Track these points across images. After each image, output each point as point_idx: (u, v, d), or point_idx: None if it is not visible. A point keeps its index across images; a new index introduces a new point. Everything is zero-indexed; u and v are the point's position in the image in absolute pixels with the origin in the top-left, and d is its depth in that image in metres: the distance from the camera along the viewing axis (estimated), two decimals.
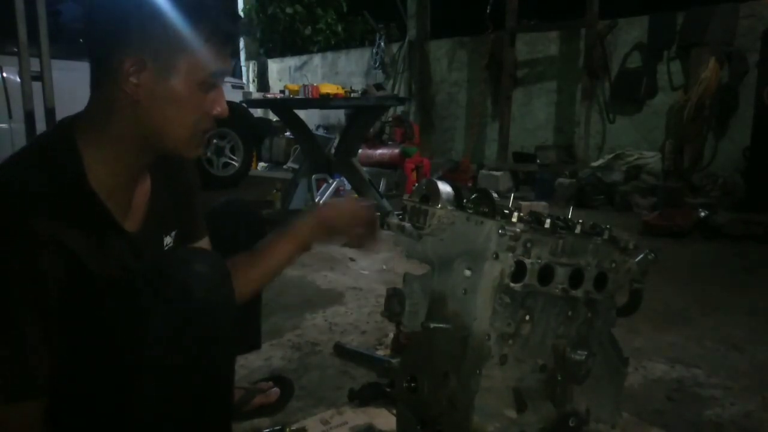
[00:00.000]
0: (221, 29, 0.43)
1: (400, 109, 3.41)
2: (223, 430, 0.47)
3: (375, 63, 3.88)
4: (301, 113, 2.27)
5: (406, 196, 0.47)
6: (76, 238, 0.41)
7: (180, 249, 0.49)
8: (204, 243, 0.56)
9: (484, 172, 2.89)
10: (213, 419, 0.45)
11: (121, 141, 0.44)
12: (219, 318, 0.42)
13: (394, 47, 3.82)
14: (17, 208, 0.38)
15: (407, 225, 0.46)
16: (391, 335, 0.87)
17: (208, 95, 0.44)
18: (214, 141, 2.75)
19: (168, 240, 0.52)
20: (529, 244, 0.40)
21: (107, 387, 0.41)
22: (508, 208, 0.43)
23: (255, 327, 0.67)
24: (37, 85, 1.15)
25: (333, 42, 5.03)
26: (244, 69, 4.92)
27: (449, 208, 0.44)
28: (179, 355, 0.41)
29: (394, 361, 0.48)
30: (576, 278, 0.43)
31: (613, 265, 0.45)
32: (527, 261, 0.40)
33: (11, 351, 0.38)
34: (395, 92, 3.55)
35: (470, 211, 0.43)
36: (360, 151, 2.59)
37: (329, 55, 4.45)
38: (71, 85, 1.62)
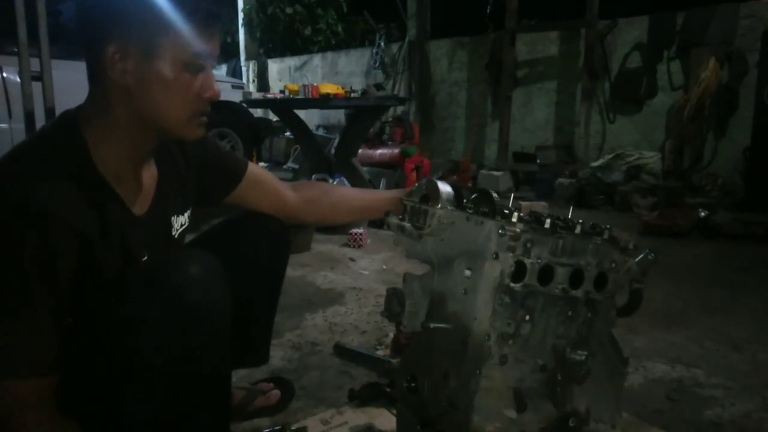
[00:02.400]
0: (201, 8, 0.44)
1: (400, 109, 3.40)
2: (220, 430, 0.47)
3: (375, 63, 3.88)
4: (301, 113, 2.28)
5: (411, 188, 0.47)
6: (84, 222, 0.41)
7: (178, 250, 0.49)
8: (258, 172, 0.60)
9: (484, 172, 2.89)
10: (209, 420, 0.45)
11: (122, 128, 0.45)
12: (213, 320, 0.42)
13: (394, 47, 3.82)
14: (28, 191, 0.39)
15: (407, 225, 0.46)
16: (391, 335, 0.87)
17: (196, 77, 0.44)
18: None
19: (182, 219, 0.53)
20: (529, 244, 0.40)
21: (103, 382, 0.41)
22: (508, 208, 0.43)
23: (264, 342, 0.67)
24: (37, 85, 1.15)
25: (333, 42, 5.03)
26: (243, 69, 4.92)
27: (449, 208, 0.43)
28: (172, 358, 0.41)
29: (394, 361, 0.48)
30: (576, 278, 0.43)
31: (613, 265, 0.45)
32: (527, 261, 0.40)
33: (23, 328, 0.39)
34: (395, 92, 3.55)
35: (470, 211, 0.43)
36: (360, 151, 2.58)
37: (329, 55, 4.45)
38: (71, 85, 1.64)
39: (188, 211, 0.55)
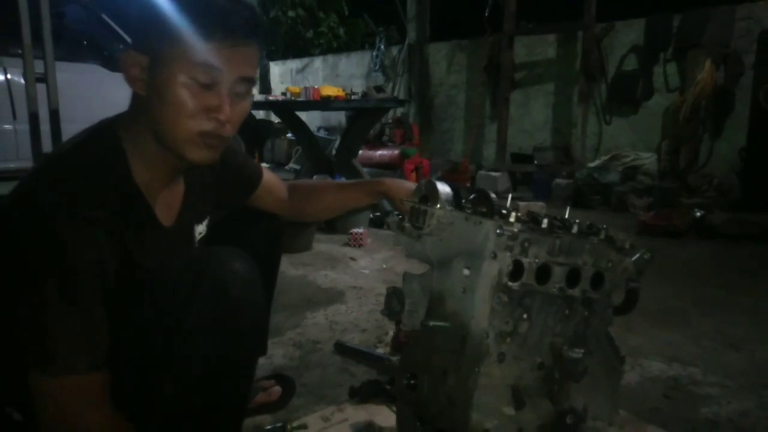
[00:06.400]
0: (230, 32, 0.42)
1: (399, 110, 3.42)
2: (236, 424, 0.49)
3: (375, 65, 3.90)
4: (303, 115, 2.27)
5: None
6: (124, 229, 0.43)
7: (219, 248, 0.50)
8: (269, 178, 0.62)
9: (482, 172, 2.90)
10: (230, 413, 0.46)
11: (149, 139, 0.45)
12: (251, 316, 0.44)
13: (394, 50, 3.84)
14: (74, 198, 0.40)
15: (407, 225, 0.46)
16: (391, 333, 0.87)
17: (203, 94, 0.43)
18: None
19: (200, 228, 0.54)
20: (526, 244, 0.41)
21: (138, 371, 0.42)
22: (506, 209, 0.44)
23: (262, 333, 0.68)
24: (41, 87, 1.16)
25: (334, 45, 5.05)
26: None
27: (448, 208, 0.44)
28: (213, 348, 0.42)
29: (394, 359, 0.48)
30: (573, 277, 0.43)
31: (610, 264, 0.45)
32: (525, 260, 0.41)
33: (77, 325, 0.39)
34: (395, 94, 3.56)
35: (469, 212, 0.44)
36: (360, 152, 2.60)
37: (330, 57, 4.46)
38: (75, 86, 1.63)
39: (207, 220, 0.56)
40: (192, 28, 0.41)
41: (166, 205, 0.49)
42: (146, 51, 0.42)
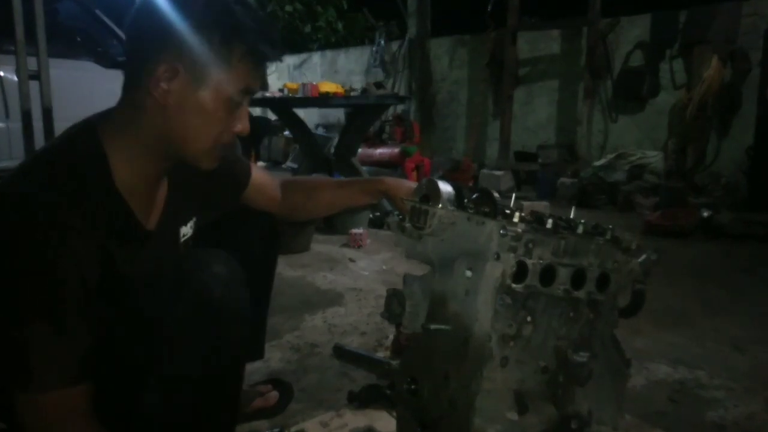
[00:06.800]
0: (258, 51, 0.43)
1: (400, 107, 3.40)
2: (229, 427, 0.48)
3: (375, 61, 3.88)
4: (300, 112, 2.29)
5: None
6: (104, 236, 0.42)
7: (199, 250, 0.50)
8: (259, 176, 0.61)
9: (485, 171, 2.89)
10: (222, 416, 0.46)
11: (145, 144, 0.44)
12: (234, 318, 0.43)
13: (395, 45, 3.81)
14: (52, 206, 0.39)
15: (408, 225, 0.45)
16: (391, 336, 0.87)
17: (233, 111, 0.44)
18: None
19: (185, 229, 0.54)
20: (530, 245, 0.40)
21: (123, 378, 0.42)
22: (509, 208, 0.43)
23: (259, 337, 0.68)
24: (34, 84, 1.15)
25: (333, 40, 5.02)
26: None
27: (450, 208, 0.43)
28: (196, 353, 0.41)
29: (394, 362, 0.48)
30: (578, 279, 0.42)
31: (616, 265, 0.44)
32: (529, 261, 0.40)
33: (58, 339, 0.39)
34: (395, 91, 3.54)
35: (471, 211, 0.43)
36: (360, 150, 2.58)
37: (328, 53, 4.45)
38: (68, 83, 1.63)
39: (192, 221, 0.55)
40: (239, 54, 0.42)
41: (149, 208, 0.48)
42: (190, 69, 0.42)
